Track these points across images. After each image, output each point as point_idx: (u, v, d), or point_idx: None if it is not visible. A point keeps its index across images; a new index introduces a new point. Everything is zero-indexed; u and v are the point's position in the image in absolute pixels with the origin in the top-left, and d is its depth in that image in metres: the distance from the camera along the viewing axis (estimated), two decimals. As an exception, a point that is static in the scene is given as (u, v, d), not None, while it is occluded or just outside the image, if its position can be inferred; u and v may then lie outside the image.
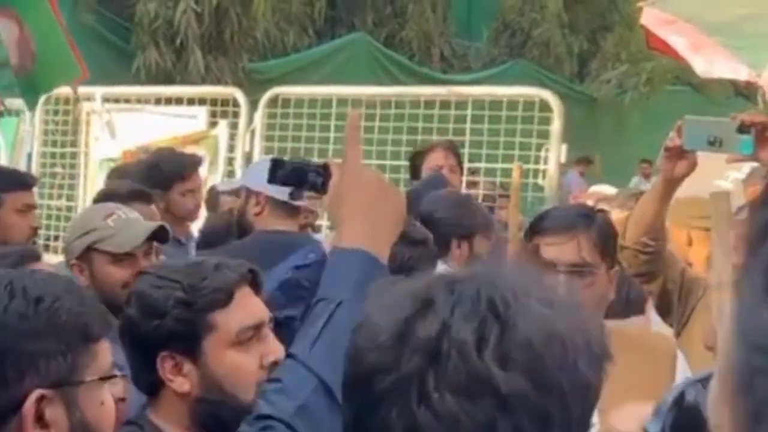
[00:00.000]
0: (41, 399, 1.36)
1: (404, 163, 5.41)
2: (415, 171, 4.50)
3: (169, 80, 8.62)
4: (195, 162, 4.45)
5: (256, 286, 1.97)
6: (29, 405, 1.36)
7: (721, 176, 4.10)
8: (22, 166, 6.78)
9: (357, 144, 1.55)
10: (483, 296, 0.98)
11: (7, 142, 6.76)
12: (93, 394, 1.43)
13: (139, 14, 8.97)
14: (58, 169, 6.83)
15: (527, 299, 0.99)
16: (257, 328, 1.91)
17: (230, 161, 6.18)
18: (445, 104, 5.65)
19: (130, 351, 1.94)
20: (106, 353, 1.47)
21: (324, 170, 3.08)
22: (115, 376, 1.49)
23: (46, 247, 6.57)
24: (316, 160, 5.76)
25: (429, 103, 5.70)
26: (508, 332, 0.96)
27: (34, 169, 6.81)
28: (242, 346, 1.89)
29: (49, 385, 1.38)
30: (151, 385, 1.93)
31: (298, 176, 3.16)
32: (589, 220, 2.55)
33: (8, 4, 3.19)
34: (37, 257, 2.34)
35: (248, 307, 1.92)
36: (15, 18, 3.29)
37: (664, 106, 13.48)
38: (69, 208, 6.68)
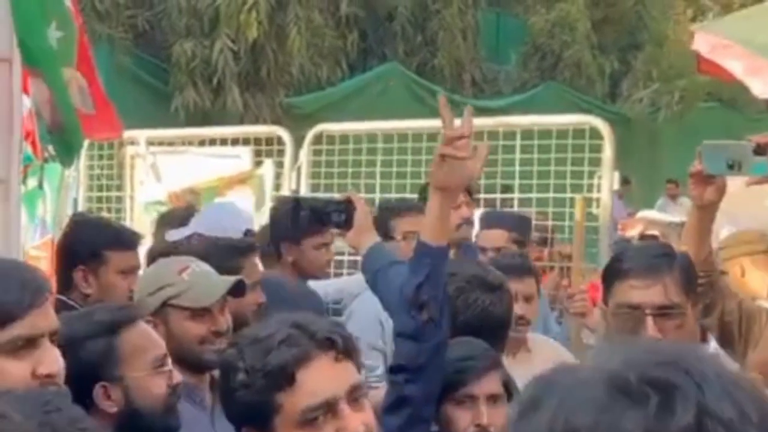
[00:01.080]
0: None
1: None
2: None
3: (207, 119, 8.64)
4: None
5: (339, 350, 1.83)
6: None
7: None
8: (68, 212, 6.80)
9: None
10: (715, 370, 0.92)
11: (53, 188, 6.76)
12: None
13: (176, 54, 8.99)
14: (104, 214, 6.84)
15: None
16: (327, 405, 1.79)
17: (277, 200, 6.16)
18: (492, 135, 5.59)
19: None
20: None
21: (347, 205, 3.05)
22: None
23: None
24: (363, 195, 5.72)
25: (477, 135, 5.63)
26: (757, 401, 0.91)
27: (80, 215, 6.83)
28: (311, 426, 1.79)
29: None
30: None
31: (319, 217, 3.14)
32: (671, 260, 2.50)
33: (34, 64, 3.16)
34: (133, 319, 2.29)
35: (315, 386, 1.79)
36: (42, 77, 3.25)
37: (698, 123, 13.39)
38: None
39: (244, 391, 1.82)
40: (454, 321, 2.66)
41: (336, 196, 3.48)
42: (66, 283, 3.20)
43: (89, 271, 3.17)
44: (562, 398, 0.90)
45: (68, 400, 1.51)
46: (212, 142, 6.47)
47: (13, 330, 1.77)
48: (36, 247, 7.05)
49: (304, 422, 1.79)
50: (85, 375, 2.17)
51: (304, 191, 6.04)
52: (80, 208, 6.84)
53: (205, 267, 2.80)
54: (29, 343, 1.79)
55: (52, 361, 1.81)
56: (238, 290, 2.77)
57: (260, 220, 6.13)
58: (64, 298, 3.09)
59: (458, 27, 13.40)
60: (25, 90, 3.32)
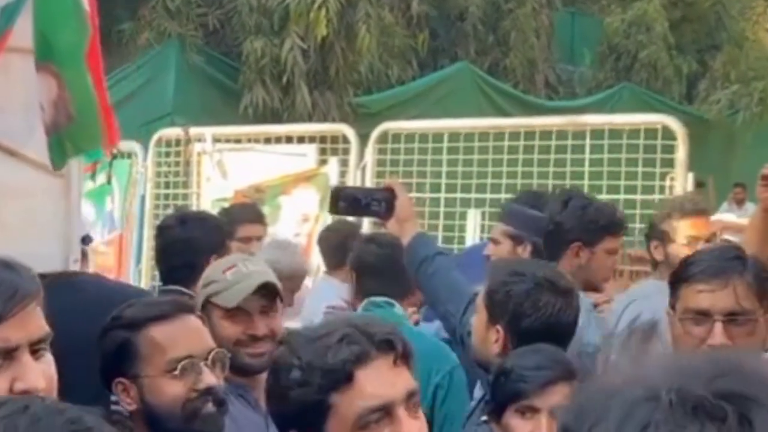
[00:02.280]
0: None
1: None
2: None
3: (276, 118, 8.63)
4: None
5: (398, 354, 1.75)
6: None
7: None
8: (135, 209, 6.85)
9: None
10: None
11: (121, 184, 6.83)
12: None
13: (246, 52, 9.00)
14: (171, 211, 6.86)
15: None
16: (385, 409, 1.71)
17: (341, 198, 6.10)
18: (561, 134, 5.47)
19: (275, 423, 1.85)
20: None
21: (388, 194, 3.05)
22: None
23: (161, 289, 6.59)
24: (428, 195, 5.61)
25: (545, 134, 5.53)
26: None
27: (148, 212, 6.86)
28: (366, 429, 1.71)
29: None
30: None
31: (359, 207, 3.15)
32: (741, 264, 2.38)
33: (48, 59, 3.10)
34: (163, 316, 2.21)
35: (374, 387, 1.72)
36: (54, 75, 3.19)
37: (778, 125, 13.06)
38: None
39: (299, 389, 1.74)
40: (519, 324, 2.57)
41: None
42: (189, 274, 3.27)
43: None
44: (622, 419, 0.83)
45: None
46: (277, 139, 6.45)
47: None
48: (104, 242, 7.13)
49: (359, 425, 1.71)
50: (106, 369, 2.16)
51: (369, 190, 5.99)
52: (147, 204, 6.88)
53: (255, 267, 2.72)
54: (4, 356, 1.58)
55: (30, 375, 1.58)
56: (270, 293, 2.66)
57: (324, 218, 6.10)
58: (182, 288, 3.21)
59: (531, 27, 13.24)
60: None
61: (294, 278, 4.01)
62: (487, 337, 2.64)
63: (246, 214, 4.72)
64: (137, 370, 2.13)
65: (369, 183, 5.98)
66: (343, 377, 1.71)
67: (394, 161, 5.92)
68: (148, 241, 6.91)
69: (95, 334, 2.23)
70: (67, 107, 2.98)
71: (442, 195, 5.77)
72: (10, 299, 1.59)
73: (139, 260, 6.89)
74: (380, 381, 1.72)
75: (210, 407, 2.13)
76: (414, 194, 5.86)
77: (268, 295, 2.62)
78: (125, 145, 6.68)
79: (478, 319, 2.68)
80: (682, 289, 2.42)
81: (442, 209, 5.73)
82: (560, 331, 2.57)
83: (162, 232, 3.47)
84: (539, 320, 2.54)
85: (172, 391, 2.11)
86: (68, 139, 3.04)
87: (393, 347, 1.74)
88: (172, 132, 6.80)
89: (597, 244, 3.34)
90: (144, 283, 6.79)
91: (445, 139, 5.77)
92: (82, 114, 3.03)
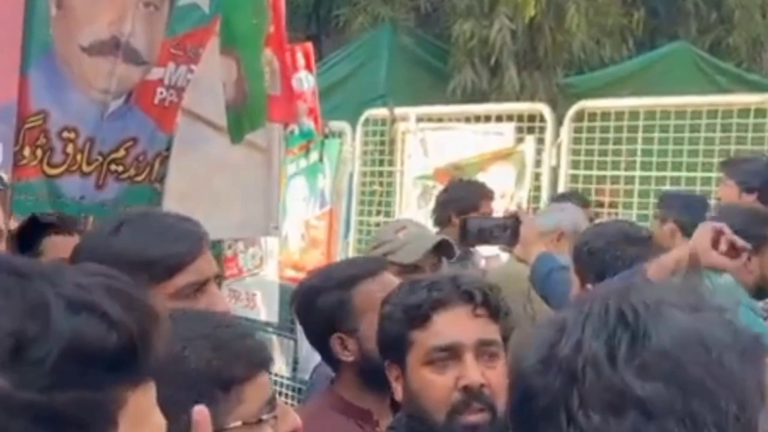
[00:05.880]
0: None
1: (715, 174, 5.20)
2: None
3: (483, 99, 8.77)
4: None
5: (477, 304, 1.93)
6: None
7: None
8: (344, 185, 7.22)
9: None
10: (612, 309, 0.99)
11: (331, 162, 7.21)
12: None
13: (455, 34, 9.19)
14: (376, 187, 7.19)
15: (661, 306, 0.99)
16: (451, 350, 1.90)
17: (537, 176, 6.23)
18: (760, 112, 5.35)
19: None
20: (258, 393, 1.40)
21: (513, 221, 3.28)
22: (261, 421, 1.39)
23: (365, 261, 6.93)
24: (623, 173, 5.61)
25: (743, 112, 5.42)
26: (639, 340, 0.96)
27: (355, 188, 7.22)
28: (435, 366, 1.91)
29: None
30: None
31: (484, 237, 3.39)
32: None
33: (232, 45, 3.39)
34: (369, 274, 2.32)
35: (444, 329, 1.91)
36: (236, 59, 3.48)
37: None
38: (386, 224, 7.01)
39: (387, 322, 2.00)
40: (604, 276, 2.69)
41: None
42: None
43: None
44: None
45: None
46: (477, 118, 6.62)
47: (187, 276, 1.90)
48: (316, 217, 7.56)
49: (430, 361, 1.93)
50: (323, 325, 2.30)
51: (564, 168, 6.07)
52: (355, 181, 7.23)
53: (421, 229, 3.00)
54: (199, 287, 1.92)
55: (222, 302, 1.96)
56: (446, 250, 2.92)
57: (519, 193, 6.24)
58: None
59: (757, 3, 12.69)
60: None
61: (576, 233, 4.31)
62: None
63: (485, 190, 4.95)
64: (355, 324, 2.25)
65: (564, 161, 6.06)
66: (420, 317, 1.93)
67: (590, 139, 5.97)
68: (357, 215, 7.28)
69: None
70: (243, 87, 3.30)
71: (637, 173, 5.77)
72: (200, 239, 1.96)
73: (347, 234, 7.27)
74: (453, 325, 1.92)
75: None
76: (609, 172, 5.90)
77: (438, 253, 2.92)
78: (335, 125, 7.07)
79: (573, 289, 2.82)
80: None
81: (636, 187, 5.74)
82: None
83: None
84: (621, 269, 2.65)
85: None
86: (245, 116, 3.36)
87: (472, 298, 1.93)
88: (379, 112, 7.12)
89: None
90: (351, 254, 7.17)
91: (641, 118, 5.76)
92: (254, 93, 3.34)
